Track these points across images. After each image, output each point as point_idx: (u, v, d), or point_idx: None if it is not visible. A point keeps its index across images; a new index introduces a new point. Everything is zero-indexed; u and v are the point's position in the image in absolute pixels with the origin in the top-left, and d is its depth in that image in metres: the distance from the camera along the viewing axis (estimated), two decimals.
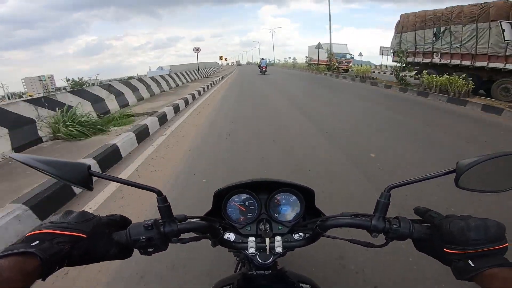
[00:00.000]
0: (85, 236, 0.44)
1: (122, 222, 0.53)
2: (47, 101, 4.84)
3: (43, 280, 0.39)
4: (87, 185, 0.47)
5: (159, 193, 0.51)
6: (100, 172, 0.47)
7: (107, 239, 0.48)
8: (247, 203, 0.73)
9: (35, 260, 0.37)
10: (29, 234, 0.41)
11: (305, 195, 0.73)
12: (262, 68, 23.53)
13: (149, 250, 0.50)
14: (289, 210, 0.73)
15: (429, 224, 0.51)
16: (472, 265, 0.41)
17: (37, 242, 0.39)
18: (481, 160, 0.44)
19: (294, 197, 0.74)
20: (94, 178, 0.49)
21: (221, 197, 0.72)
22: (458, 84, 7.54)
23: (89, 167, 0.48)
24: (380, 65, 30.55)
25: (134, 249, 0.52)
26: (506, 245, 0.42)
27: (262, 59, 25.00)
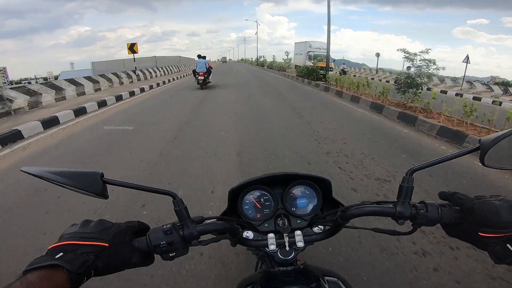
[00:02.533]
0: (107, 245, 0.44)
1: (140, 228, 0.53)
2: None
3: None
4: (102, 193, 0.47)
5: (174, 196, 0.51)
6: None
7: (128, 246, 0.48)
8: (262, 199, 0.72)
9: (63, 273, 0.37)
10: (52, 246, 0.41)
11: (321, 186, 0.72)
12: (199, 75, 11.15)
13: (170, 255, 0.50)
14: (306, 202, 0.72)
15: (459, 208, 0.49)
16: (511, 249, 0.40)
17: (61, 254, 0.39)
18: (505, 135, 0.44)
19: (310, 189, 0.73)
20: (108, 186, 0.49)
21: (236, 195, 0.71)
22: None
23: (102, 175, 0.47)
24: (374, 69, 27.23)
25: (156, 255, 0.51)
26: None
27: (200, 56, 11.60)
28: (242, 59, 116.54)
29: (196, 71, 11.11)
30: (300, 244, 0.62)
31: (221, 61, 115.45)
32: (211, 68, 11.95)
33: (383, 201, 0.55)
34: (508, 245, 0.40)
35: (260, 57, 50.07)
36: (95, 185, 0.46)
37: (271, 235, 0.64)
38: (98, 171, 0.47)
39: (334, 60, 23.40)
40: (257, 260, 0.93)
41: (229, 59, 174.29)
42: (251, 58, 77.28)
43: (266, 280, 0.62)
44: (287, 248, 0.62)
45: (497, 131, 0.51)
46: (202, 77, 11.05)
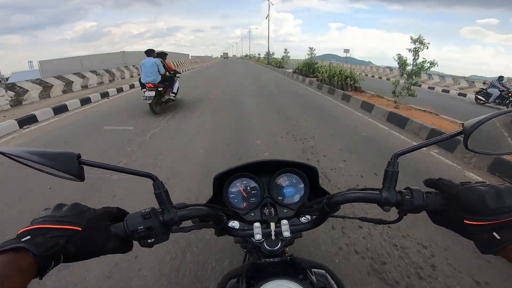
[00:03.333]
0: (80, 229, 0.42)
1: (119, 214, 0.51)
2: None
3: (40, 278, 0.38)
4: (79, 175, 0.45)
5: (154, 178, 0.49)
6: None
7: (104, 232, 0.46)
8: (249, 187, 0.72)
9: (29, 257, 0.36)
10: (21, 231, 0.40)
11: (308, 174, 0.72)
12: (147, 88, 5.61)
13: (149, 241, 0.49)
14: (293, 191, 0.72)
15: (444, 194, 0.48)
16: (498, 237, 0.38)
17: (28, 237, 0.38)
18: (487, 118, 0.43)
19: (297, 178, 0.73)
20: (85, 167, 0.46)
21: (221, 183, 0.71)
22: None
23: (79, 155, 0.45)
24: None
25: (134, 242, 0.50)
26: None
27: (150, 53, 5.83)
28: (246, 55, 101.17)
29: (142, 81, 5.78)
30: (287, 234, 0.61)
31: (222, 57, 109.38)
32: (177, 74, 6.80)
33: (369, 188, 0.53)
34: (494, 233, 0.39)
35: (272, 53, 37.82)
36: (71, 166, 0.44)
37: (257, 224, 0.63)
38: (74, 152, 0.45)
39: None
40: (244, 253, 0.93)
41: (233, 55, 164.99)
42: (258, 54, 61.15)
43: (252, 271, 0.62)
44: (273, 238, 0.61)
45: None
46: (152, 92, 5.55)
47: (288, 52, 28.44)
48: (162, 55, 6.28)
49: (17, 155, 0.42)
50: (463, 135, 0.46)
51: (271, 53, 38.00)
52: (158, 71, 5.70)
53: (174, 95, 6.43)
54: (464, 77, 16.76)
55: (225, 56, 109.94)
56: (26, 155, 0.42)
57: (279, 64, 26.36)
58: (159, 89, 5.77)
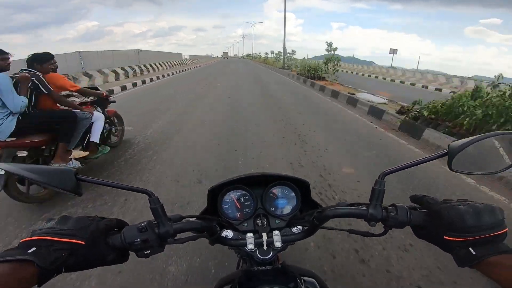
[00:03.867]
0: (83, 242, 0.44)
1: (118, 225, 0.53)
2: None
3: (39, 286, 0.39)
4: (76, 190, 0.47)
5: (150, 194, 0.51)
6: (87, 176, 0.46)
7: (104, 245, 0.48)
8: (242, 199, 0.74)
9: (32, 268, 0.37)
10: (24, 240, 0.41)
11: (300, 187, 0.74)
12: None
13: (145, 252, 0.51)
14: (285, 203, 0.74)
15: (427, 211, 0.51)
16: (474, 253, 0.42)
17: (34, 249, 0.39)
18: (473, 140, 0.46)
19: (289, 190, 0.75)
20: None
21: (216, 194, 0.73)
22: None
23: (76, 172, 0.47)
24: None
25: (131, 252, 0.52)
26: (505, 230, 0.43)
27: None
28: (248, 55, 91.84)
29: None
30: (278, 244, 0.63)
31: (222, 56, 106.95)
32: (106, 97, 3.32)
33: (357, 203, 0.57)
34: (471, 249, 0.42)
35: (292, 52, 28.90)
36: (68, 182, 0.46)
37: (249, 234, 0.65)
38: (72, 168, 0.48)
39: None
40: (238, 259, 0.95)
41: (235, 55, 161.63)
42: (266, 54, 50.48)
43: (245, 279, 0.64)
44: (265, 248, 0.63)
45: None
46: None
47: (294, 53, 25.76)
48: (41, 59, 2.58)
49: (17, 173, 0.44)
50: (447, 156, 0.48)
51: (289, 52, 25.04)
52: (21, 104, 2.22)
53: (98, 148, 3.01)
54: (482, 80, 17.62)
55: (225, 55, 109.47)
56: (26, 173, 0.44)
57: (314, 74, 13.73)
58: (43, 147, 2.49)
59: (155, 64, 18.72)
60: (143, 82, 12.12)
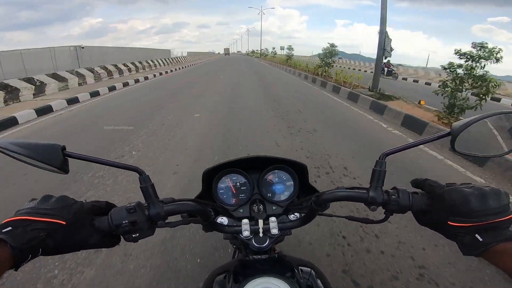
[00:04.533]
0: (64, 223, 0.42)
1: (107, 208, 0.50)
2: None
3: (16, 270, 0.38)
4: (63, 167, 0.44)
5: (141, 172, 0.48)
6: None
7: (88, 226, 0.45)
8: (238, 183, 0.72)
9: (6, 248, 0.35)
10: (4, 221, 0.39)
11: (298, 171, 0.72)
12: None
13: (133, 235, 0.48)
14: (283, 189, 0.72)
15: (430, 195, 0.48)
16: (480, 239, 0.39)
17: (9, 228, 0.38)
18: (476, 119, 0.43)
19: (286, 175, 0.73)
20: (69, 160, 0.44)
21: (211, 178, 0.71)
22: None
23: (64, 147, 0.44)
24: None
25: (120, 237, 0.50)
26: None
27: None
28: (253, 52, 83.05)
29: None
30: (275, 231, 0.62)
31: (224, 53, 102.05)
32: None
33: (357, 186, 0.54)
34: (477, 235, 0.39)
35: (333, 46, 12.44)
36: (55, 158, 0.43)
37: (245, 221, 0.64)
38: (59, 143, 0.44)
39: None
40: (234, 249, 0.94)
41: (238, 51, 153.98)
42: (273, 50, 37.63)
43: (240, 268, 0.62)
44: (261, 235, 0.62)
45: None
46: None
47: (292, 50, 22.78)
48: None
49: (1, 146, 0.42)
50: (450, 136, 0.46)
51: (332, 45, 12.57)
52: None
53: None
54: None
55: (226, 52, 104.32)
56: (10, 146, 0.41)
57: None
58: None
59: (112, 68, 12.67)
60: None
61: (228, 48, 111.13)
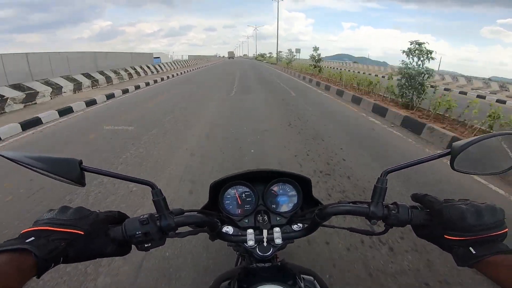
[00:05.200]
0: (82, 233, 0.44)
1: (119, 218, 0.53)
2: None
3: (38, 277, 0.40)
4: (80, 181, 0.47)
5: (153, 186, 0.51)
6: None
7: (104, 236, 0.48)
8: (243, 195, 0.75)
9: (30, 258, 0.38)
10: (24, 231, 0.42)
11: (302, 184, 0.74)
12: None
13: (146, 245, 0.51)
14: (287, 200, 0.75)
15: (428, 210, 0.51)
16: (473, 252, 0.42)
17: (32, 239, 0.40)
18: (475, 140, 0.45)
19: (290, 187, 0.75)
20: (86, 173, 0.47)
21: (217, 189, 0.74)
22: None
23: (81, 162, 0.47)
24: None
25: (132, 246, 0.52)
26: (506, 230, 0.43)
27: None
28: (262, 55, 67.52)
29: None
30: (278, 241, 0.64)
31: (228, 57, 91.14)
32: None
33: (358, 201, 0.57)
34: (471, 248, 0.43)
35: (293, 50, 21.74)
36: (72, 172, 0.46)
37: (250, 231, 0.66)
38: (76, 158, 0.47)
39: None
40: (237, 256, 0.96)
41: (244, 55, 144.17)
42: (293, 52, 28.45)
43: (244, 276, 0.64)
44: (265, 245, 0.64)
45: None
46: None
47: (294, 54, 22.16)
48: None
49: (20, 160, 0.44)
50: (450, 156, 0.48)
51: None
52: None
53: None
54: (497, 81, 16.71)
55: (230, 55, 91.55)
56: (29, 161, 0.44)
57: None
58: None
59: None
60: None
61: (233, 52, 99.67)
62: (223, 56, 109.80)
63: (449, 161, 0.49)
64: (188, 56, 39.61)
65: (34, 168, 0.44)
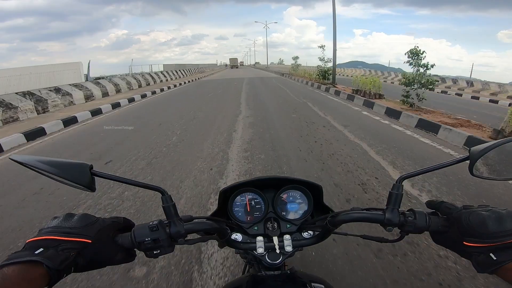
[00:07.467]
0: (90, 241, 0.44)
1: (125, 224, 0.53)
2: None
3: None
4: (90, 185, 0.46)
5: (163, 192, 0.51)
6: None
7: (112, 243, 0.48)
8: (253, 202, 0.74)
9: (42, 269, 0.37)
10: (30, 240, 0.41)
11: (312, 191, 0.73)
12: None
13: (155, 252, 0.51)
14: (297, 207, 0.74)
15: (446, 216, 0.50)
16: (494, 258, 0.41)
17: (41, 249, 0.39)
18: (495, 145, 0.44)
19: (301, 194, 0.74)
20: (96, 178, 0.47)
21: (227, 196, 0.73)
22: None
23: (91, 166, 0.47)
24: None
25: (138, 252, 0.52)
26: None
27: None
28: (281, 63, 61.17)
29: None
30: (289, 248, 0.63)
31: (230, 65, 67.27)
32: None
33: (372, 208, 0.56)
34: (491, 254, 0.42)
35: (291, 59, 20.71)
36: (83, 177, 0.45)
37: (259, 238, 0.65)
38: (87, 163, 0.46)
39: None
40: (244, 264, 0.95)
41: (256, 63, 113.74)
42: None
43: (253, 284, 0.64)
44: (277, 251, 0.63)
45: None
46: None
47: (297, 60, 22.43)
48: None
49: (30, 164, 0.44)
50: (469, 161, 0.46)
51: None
52: None
53: None
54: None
55: (233, 63, 67.32)
56: (39, 165, 0.44)
57: None
58: None
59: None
60: None
61: (236, 59, 71.11)
62: (226, 65, 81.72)
63: (467, 167, 0.47)
64: (163, 65, 28.67)
65: (44, 172, 0.45)
